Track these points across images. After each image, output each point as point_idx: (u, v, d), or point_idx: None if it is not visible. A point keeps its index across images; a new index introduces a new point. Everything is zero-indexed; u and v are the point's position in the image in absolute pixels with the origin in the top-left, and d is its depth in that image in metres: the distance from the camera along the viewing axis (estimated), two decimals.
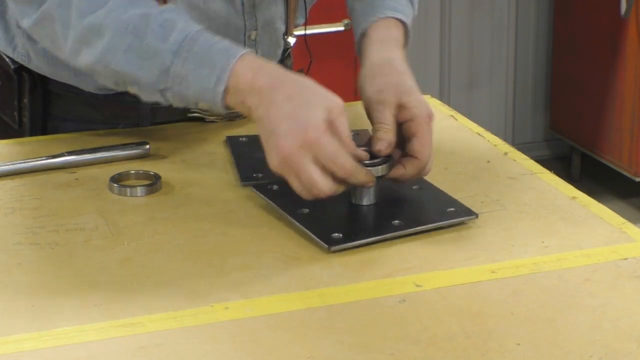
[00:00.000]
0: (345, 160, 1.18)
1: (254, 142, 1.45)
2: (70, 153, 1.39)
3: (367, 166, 1.22)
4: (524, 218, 1.25)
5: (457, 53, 3.94)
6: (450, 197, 1.27)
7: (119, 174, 1.34)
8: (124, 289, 1.09)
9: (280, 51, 1.60)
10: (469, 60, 3.97)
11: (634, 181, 3.67)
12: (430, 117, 1.27)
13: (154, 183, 1.32)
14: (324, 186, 1.18)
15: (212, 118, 1.55)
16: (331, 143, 1.17)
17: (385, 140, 1.24)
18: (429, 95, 1.68)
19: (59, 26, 1.35)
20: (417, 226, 1.21)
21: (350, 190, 1.24)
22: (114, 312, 1.05)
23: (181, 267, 1.14)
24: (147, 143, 1.43)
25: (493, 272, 1.12)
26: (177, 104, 1.32)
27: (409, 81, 1.31)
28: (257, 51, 1.53)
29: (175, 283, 1.10)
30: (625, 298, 1.07)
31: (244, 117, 1.56)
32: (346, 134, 1.19)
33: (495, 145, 1.46)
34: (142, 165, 1.39)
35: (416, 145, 1.25)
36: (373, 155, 1.24)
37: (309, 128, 1.17)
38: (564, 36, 3.91)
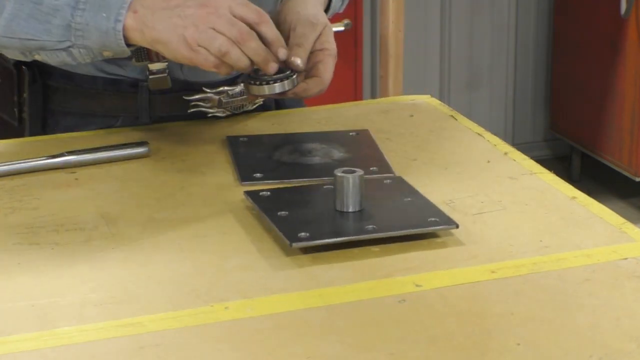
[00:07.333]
0: (235, 22, 1.29)
1: (254, 142, 1.46)
2: (70, 153, 1.39)
3: (273, 81, 1.34)
4: (524, 218, 1.25)
5: (457, 53, 3.94)
6: (437, 209, 1.22)
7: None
8: (124, 289, 1.09)
9: None
10: (469, 60, 3.97)
11: (634, 181, 3.66)
12: (336, 57, 1.40)
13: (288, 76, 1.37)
14: (222, 37, 1.29)
15: (213, 112, 1.54)
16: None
17: (303, 58, 1.36)
18: (428, 95, 1.68)
19: None
20: (388, 231, 1.18)
21: (336, 199, 1.22)
22: (114, 312, 1.05)
23: (181, 267, 1.14)
24: (147, 143, 1.43)
25: (493, 272, 1.12)
26: (85, 58, 1.38)
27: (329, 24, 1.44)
28: None
29: (175, 283, 1.10)
30: (625, 298, 1.07)
31: (246, 111, 1.57)
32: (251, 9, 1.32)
33: (495, 145, 1.46)
34: (142, 165, 1.39)
35: (321, 69, 1.38)
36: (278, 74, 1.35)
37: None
38: (564, 36, 3.91)
